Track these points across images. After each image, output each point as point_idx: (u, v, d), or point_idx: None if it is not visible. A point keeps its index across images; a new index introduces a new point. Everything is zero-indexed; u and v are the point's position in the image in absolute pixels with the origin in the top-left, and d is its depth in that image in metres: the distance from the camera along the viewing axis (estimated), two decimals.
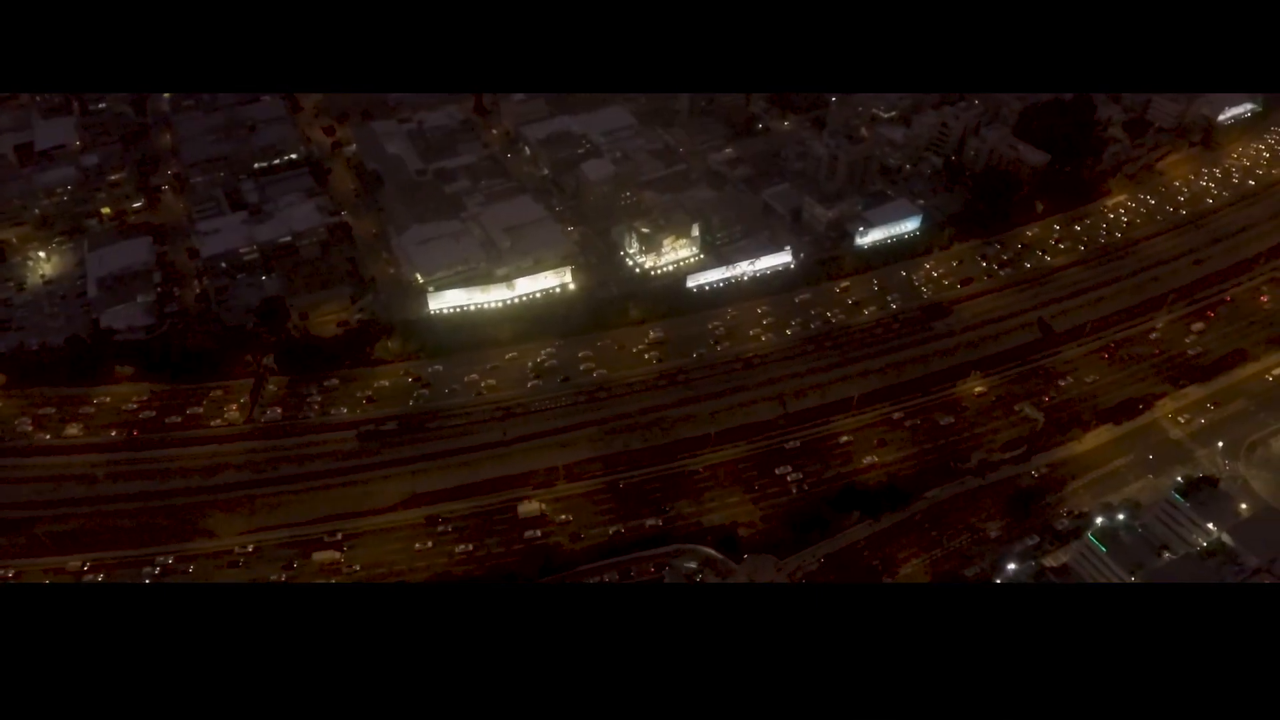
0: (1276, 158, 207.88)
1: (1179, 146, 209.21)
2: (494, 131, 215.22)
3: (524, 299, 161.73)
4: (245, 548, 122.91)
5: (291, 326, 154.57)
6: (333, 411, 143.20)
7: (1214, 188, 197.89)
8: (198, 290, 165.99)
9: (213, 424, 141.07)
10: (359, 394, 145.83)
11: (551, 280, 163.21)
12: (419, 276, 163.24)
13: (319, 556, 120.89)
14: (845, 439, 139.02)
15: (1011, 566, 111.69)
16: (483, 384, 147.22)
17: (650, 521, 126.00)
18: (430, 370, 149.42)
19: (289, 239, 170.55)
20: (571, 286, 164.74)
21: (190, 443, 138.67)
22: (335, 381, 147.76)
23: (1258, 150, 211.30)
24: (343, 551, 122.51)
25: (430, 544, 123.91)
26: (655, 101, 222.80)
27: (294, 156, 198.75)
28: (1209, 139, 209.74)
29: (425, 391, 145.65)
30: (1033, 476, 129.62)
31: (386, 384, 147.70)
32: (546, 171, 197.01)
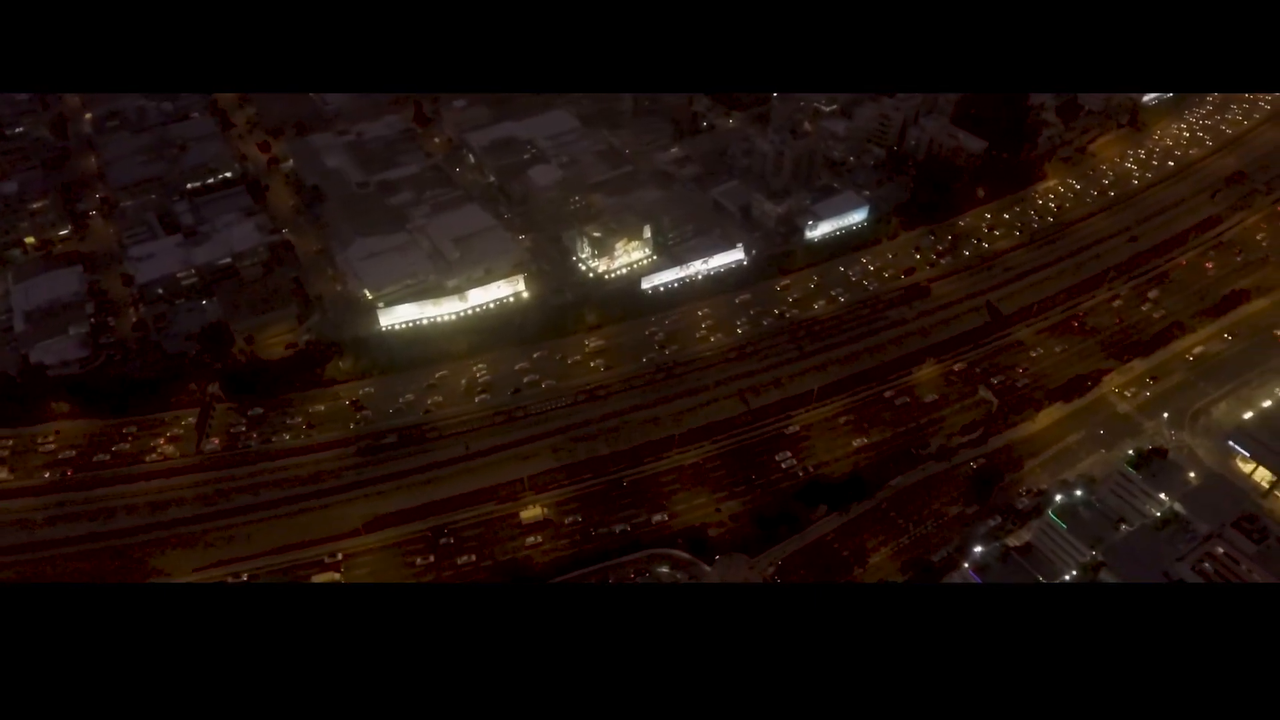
0: (1196, 136, 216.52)
1: (1108, 128, 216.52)
2: (436, 140, 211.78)
3: (478, 310, 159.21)
4: (239, 576, 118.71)
5: (237, 351, 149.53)
6: (287, 436, 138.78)
7: (1141, 168, 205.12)
8: (134, 319, 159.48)
9: (158, 458, 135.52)
10: (313, 413, 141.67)
11: (504, 289, 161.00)
12: (367, 292, 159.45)
13: (319, 579, 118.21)
14: (803, 431, 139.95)
15: (978, 549, 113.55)
16: (432, 400, 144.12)
17: (620, 528, 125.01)
18: (379, 388, 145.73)
19: (229, 261, 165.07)
20: (525, 295, 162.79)
21: (135, 479, 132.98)
22: (287, 405, 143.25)
23: (1179, 130, 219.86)
24: (341, 572, 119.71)
25: (431, 558, 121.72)
26: (599, 103, 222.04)
27: (229, 175, 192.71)
28: (1135, 120, 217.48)
29: (367, 413, 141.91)
30: (989, 459, 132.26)
31: (323, 409, 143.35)
32: (492, 179, 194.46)
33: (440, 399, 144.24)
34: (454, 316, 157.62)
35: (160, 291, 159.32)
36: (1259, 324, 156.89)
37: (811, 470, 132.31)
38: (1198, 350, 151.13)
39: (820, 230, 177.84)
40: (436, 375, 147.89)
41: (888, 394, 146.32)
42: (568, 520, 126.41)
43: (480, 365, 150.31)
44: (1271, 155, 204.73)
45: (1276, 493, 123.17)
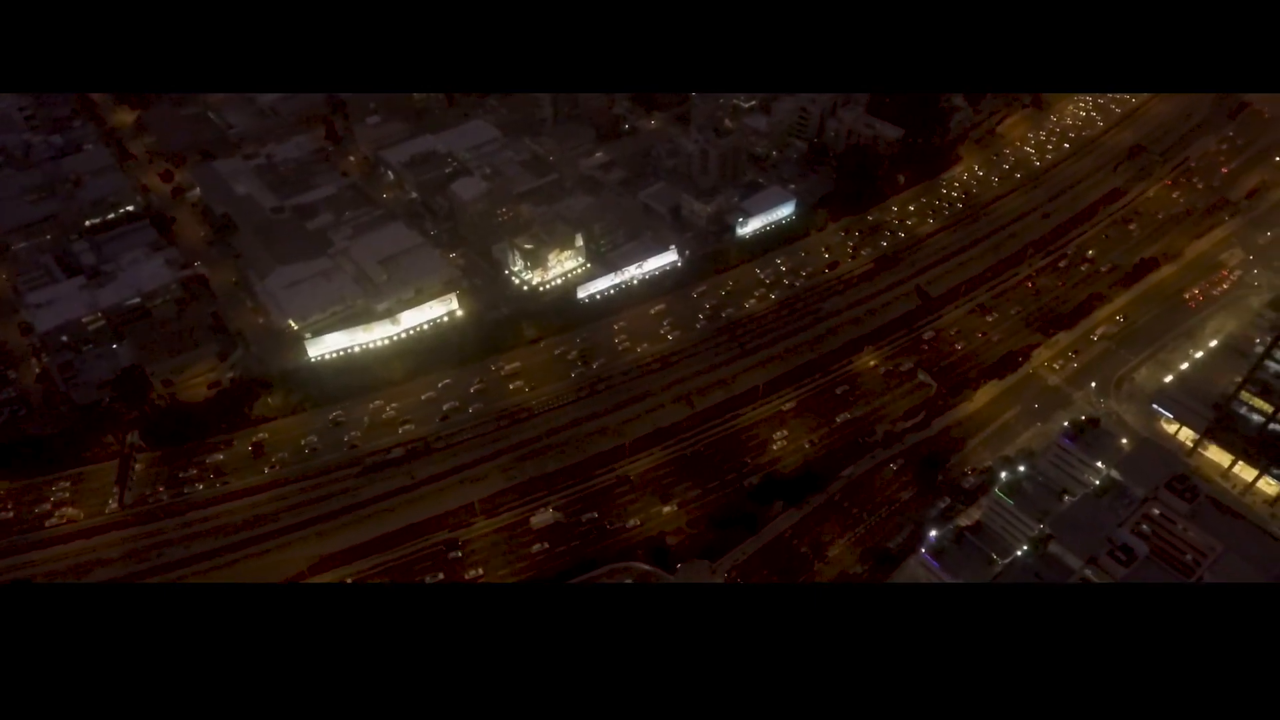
0: (1093, 114, 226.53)
1: (1013, 109, 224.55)
2: (351, 158, 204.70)
3: (412, 333, 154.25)
4: None
5: (155, 397, 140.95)
6: (218, 483, 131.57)
7: (1047, 146, 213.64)
8: (37, 370, 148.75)
9: (75, 517, 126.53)
10: (243, 453, 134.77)
11: (438, 309, 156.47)
12: (292, 323, 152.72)
13: None
14: (754, 429, 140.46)
15: (932, 533, 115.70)
16: (367, 429, 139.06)
17: (576, 544, 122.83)
18: (313, 422, 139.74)
19: (138, 301, 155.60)
20: (460, 313, 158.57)
21: (52, 542, 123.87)
22: (215, 449, 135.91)
23: (1077, 107, 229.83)
24: None
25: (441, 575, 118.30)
26: (518, 111, 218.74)
27: (130, 209, 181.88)
28: (1039, 100, 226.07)
29: (314, 439, 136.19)
30: (933, 441, 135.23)
31: (252, 447, 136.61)
32: (415, 195, 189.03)
33: (375, 429, 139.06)
34: (387, 341, 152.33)
35: (64, 339, 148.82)
36: (1168, 289, 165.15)
37: (764, 466, 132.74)
38: (1117, 318, 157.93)
39: (751, 226, 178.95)
40: (371, 404, 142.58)
41: (830, 385, 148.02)
42: (535, 548, 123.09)
43: (418, 389, 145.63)
44: (1164, 127, 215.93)
45: (1200, 450, 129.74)
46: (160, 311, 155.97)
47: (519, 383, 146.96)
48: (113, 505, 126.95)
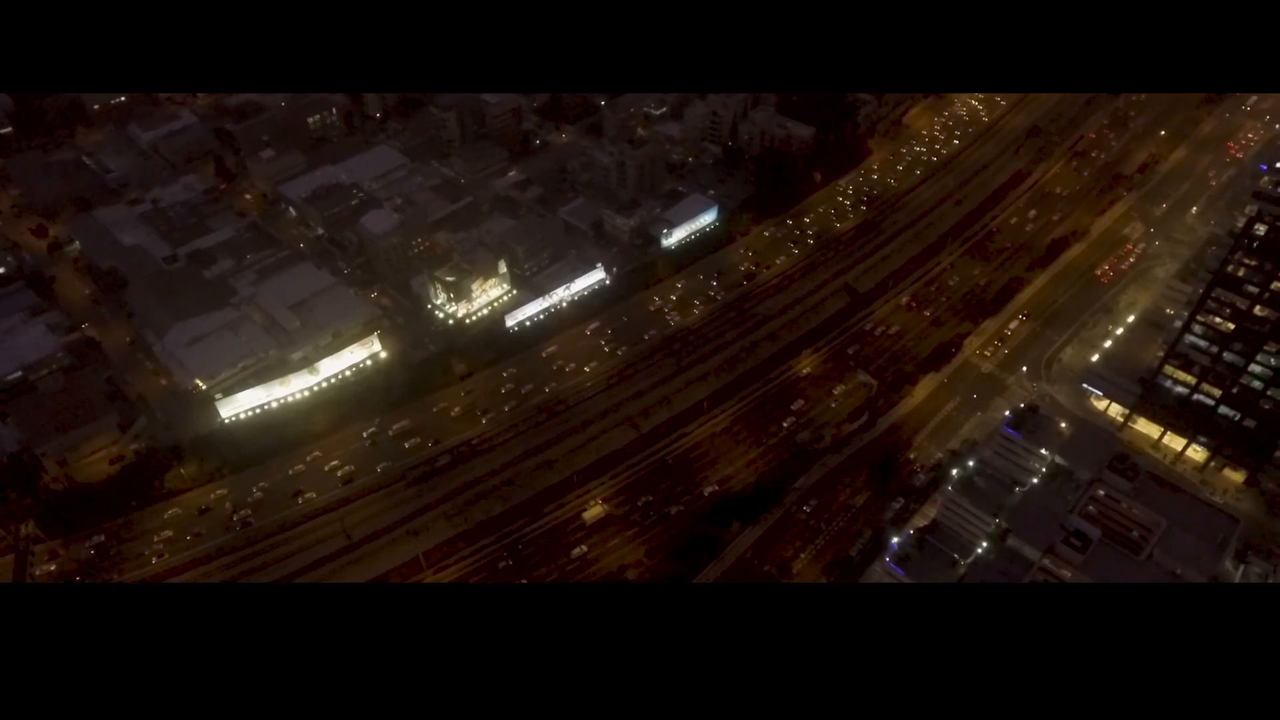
0: (990, 100, 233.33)
1: (916, 99, 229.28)
2: (248, 197, 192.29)
3: (333, 381, 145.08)
4: None
5: (50, 480, 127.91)
6: (130, 568, 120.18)
7: (955, 133, 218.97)
8: None
9: None
10: (159, 530, 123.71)
11: (359, 353, 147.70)
12: (199, 383, 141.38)
13: None
14: (702, 446, 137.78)
15: (894, 540, 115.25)
16: (300, 491, 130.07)
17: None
18: (233, 489, 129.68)
19: (19, 374, 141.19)
20: (383, 355, 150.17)
21: None
22: (126, 530, 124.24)
23: (974, 95, 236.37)
24: None
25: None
26: (422, 134, 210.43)
27: (1, 270, 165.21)
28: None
29: (247, 513, 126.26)
30: (880, 441, 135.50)
31: (170, 524, 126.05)
32: (321, 232, 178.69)
33: (307, 487, 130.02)
34: (308, 393, 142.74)
35: None
36: (1081, 267, 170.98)
37: (717, 485, 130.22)
38: (1036, 301, 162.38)
39: (676, 237, 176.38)
40: (308, 457, 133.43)
41: (772, 392, 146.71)
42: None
43: (346, 440, 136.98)
44: (1057, 109, 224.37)
45: (1130, 424, 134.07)
46: (47, 384, 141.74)
47: (455, 422, 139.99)
48: None
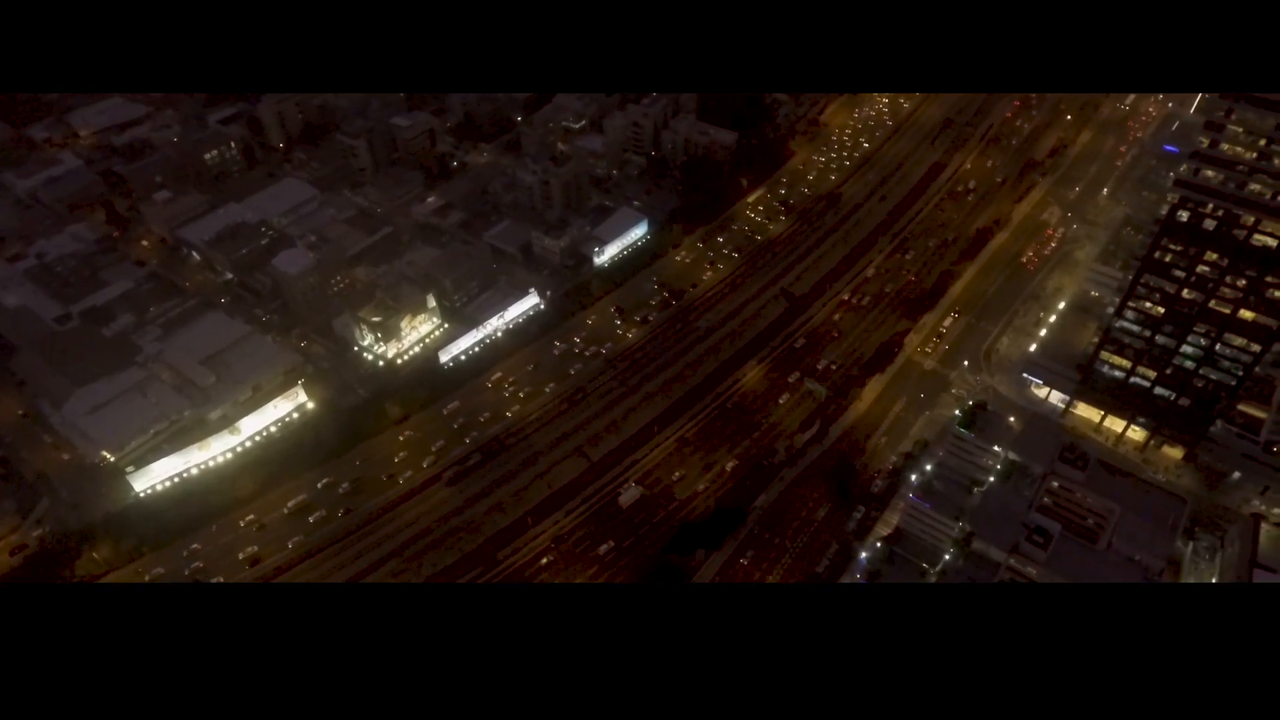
0: (906, 94, 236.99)
1: (831, 97, 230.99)
2: (145, 243, 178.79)
3: (258, 439, 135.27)
4: None
5: None
6: None
7: (874, 130, 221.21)
8: None
9: None
10: None
11: (284, 406, 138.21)
12: (107, 454, 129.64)
13: None
14: (656, 471, 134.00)
15: (862, 555, 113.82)
16: (238, 556, 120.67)
17: None
18: (150, 568, 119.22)
19: None
20: (310, 405, 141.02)
21: None
22: None
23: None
24: None
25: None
26: (330, 163, 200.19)
27: None
28: None
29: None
30: (834, 449, 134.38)
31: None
32: (229, 276, 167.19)
33: (254, 548, 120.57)
34: (230, 455, 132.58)
35: None
36: (1006, 255, 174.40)
37: (675, 511, 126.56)
38: (969, 292, 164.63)
39: (608, 254, 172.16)
40: (248, 518, 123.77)
41: (721, 408, 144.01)
42: None
43: (278, 502, 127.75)
44: (967, 99, 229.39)
45: (1071, 410, 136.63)
46: None
47: (395, 470, 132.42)
48: None
